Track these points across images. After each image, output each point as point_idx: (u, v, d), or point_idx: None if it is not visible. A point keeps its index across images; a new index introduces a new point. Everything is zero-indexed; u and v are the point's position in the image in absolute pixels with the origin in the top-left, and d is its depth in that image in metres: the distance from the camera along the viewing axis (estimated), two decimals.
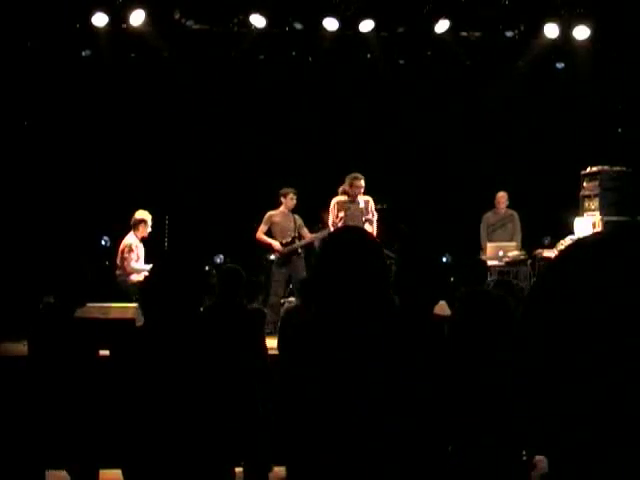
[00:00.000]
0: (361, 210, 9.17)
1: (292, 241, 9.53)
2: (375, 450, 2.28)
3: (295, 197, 9.58)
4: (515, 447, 3.25)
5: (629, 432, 0.95)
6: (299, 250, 9.48)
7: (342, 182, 9.48)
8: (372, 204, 9.27)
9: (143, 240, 9.00)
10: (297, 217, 9.68)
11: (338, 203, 9.35)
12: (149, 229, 8.99)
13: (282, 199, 9.62)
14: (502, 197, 10.22)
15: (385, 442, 2.29)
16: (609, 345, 0.96)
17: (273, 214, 9.62)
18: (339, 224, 9.25)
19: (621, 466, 0.95)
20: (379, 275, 2.35)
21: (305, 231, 9.62)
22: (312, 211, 9.96)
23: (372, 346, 2.30)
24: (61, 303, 4.62)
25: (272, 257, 9.52)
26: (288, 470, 2.63)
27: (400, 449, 2.34)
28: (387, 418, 2.29)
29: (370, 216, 9.21)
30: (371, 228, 9.14)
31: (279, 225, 9.59)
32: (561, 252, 1.09)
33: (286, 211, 9.64)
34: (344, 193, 9.37)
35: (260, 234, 9.57)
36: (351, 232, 2.62)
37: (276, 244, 9.52)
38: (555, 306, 1.02)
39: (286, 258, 9.47)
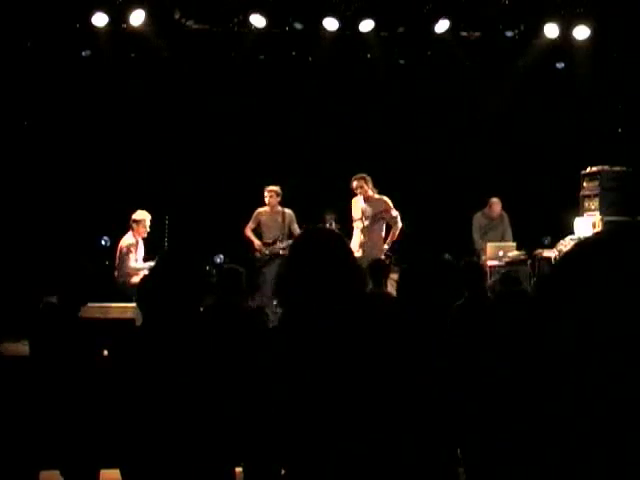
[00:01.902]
0: (361, 210, 9.16)
1: (274, 242, 9.49)
2: (356, 447, 2.30)
3: (273, 195, 9.52)
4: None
5: (629, 432, 0.95)
6: (281, 252, 9.28)
7: (341, 181, 9.53)
8: (384, 204, 9.20)
9: (143, 240, 9.01)
10: (288, 213, 9.60)
11: (352, 203, 9.38)
12: (147, 229, 8.98)
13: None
14: (496, 204, 10.24)
15: (365, 439, 2.31)
16: (611, 348, 0.97)
17: (260, 212, 9.64)
18: (354, 223, 9.29)
19: (622, 469, 0.96)
20: (343, 273, 2.40)
21: (295, 227, 9.54)
22: (311, 210, 9.96)
23: (342, 341, 2.34)
24: (65, 303, 4.62)
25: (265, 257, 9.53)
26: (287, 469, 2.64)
27: (383, 446, 2.36)
28: (364, 415, 2.31)
29: (383, 215, 9.18)
30: (394, 227, 9.17)
31: (265, 224, 9.63)
32: (563, 255, 1.09)
33: (274, 208, 9.61)
34: None
35: (247, 230, 9.62)
36: (314, 234, 2.68)
37: (257, 243, 9.54)
38: (557, 309, 1.02)
39: (269, 258, 9.44)
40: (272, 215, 9.62)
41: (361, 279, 2.71)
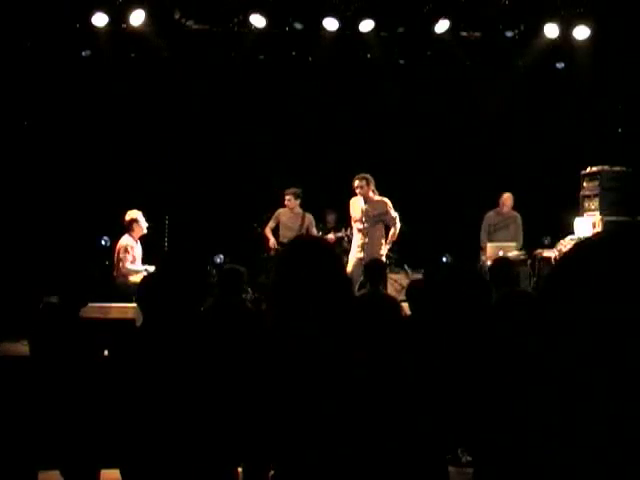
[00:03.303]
0: (362, 210, 9.14)
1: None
2: (346, 452, 2.31)
3: (292, 198, 9.65)
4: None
5: (630, 432, 0.95)
6: None
7: (341, 181, 9.53)
8: (385, 205, 9.17)
9: (142, 238, 9.00)
10: (308, 217, 9.75)
11: (350, 202, 9.36)
12: (144, 226, 8.94)
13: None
14: (508, 198, 10.20)
15: (356, 444, 2.32)
16: (611, 343, 0.97)
17: (281, 212, 9.77)
18: (353, 223, 9.29)
19: (624, 468, 0.96)
20: (329, 282, 2.43)
21: (313, 231, 9.64)
22: (311, 210, 9.98)
23: (332, 348, 2.36)
24: (66, 303, 4.62)
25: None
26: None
27: (374, 452, 2.37)
28: (355, 420, 2.32)
29: (383, 216, 9.15)
30: (394, 228, 9.15)
31: (284, 224, 9.73)
32: (563, 256, 1.09)
33: (294, 211, 9.71)
34: None
35: (266, 229, 9.77)
36: (302, 243, 2.71)
37: (272, 242, 9.63)
38: (559, 309, 1.02)
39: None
40: (292, 217, 9.71)
41: (348, 288, 2.73)
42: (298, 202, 9.72)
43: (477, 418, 3.01)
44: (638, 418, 0.95)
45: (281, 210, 9.77)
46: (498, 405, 3.02)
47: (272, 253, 9.61)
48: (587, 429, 0.97)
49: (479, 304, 3.24)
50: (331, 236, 9.73)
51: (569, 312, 1.01)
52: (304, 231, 9.59)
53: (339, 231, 9.94)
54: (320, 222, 10.48)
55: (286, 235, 9.61)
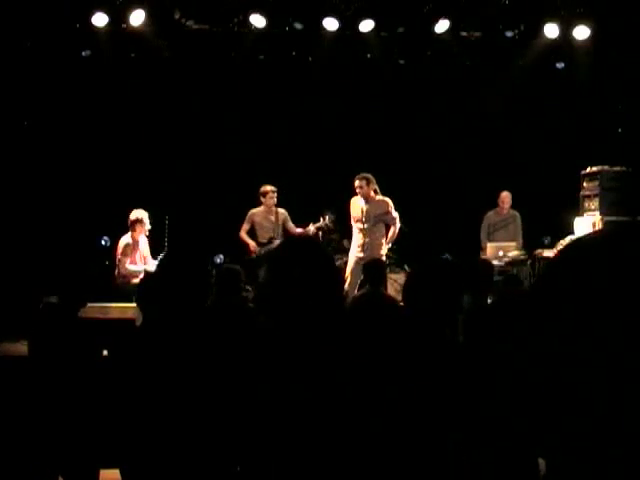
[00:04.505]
0: (362, 210, 9.13)
1: (269, 241, 9.52)
2: (337, 453, 2.31)
3: (275, 195, 9.62)
4: (523, 450, 3.26)
5: (627, 433, 0.95)
6: None
7: (341, 181, 9.53)
8: (386, 205, 9.15)
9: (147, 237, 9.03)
10: (281, 212, 9.70)
11: (351, 202, 9.33)
12: (147, 227, 8.98)
13: (262, 198, 9.69)
14: (506, 197, 10.26)
15: (348, 446, 2.33)
16: (609, 343, 0.97)
17: (254, 212, 9.71)
18: (354, 223, 9.25)
19: (620, 469, 0.95)
20: (323, 283, 2.43)
21: (290, 225, 9.65)
22: (311, 210, 9.97)
23: (324, 351, 2.36)
24: (65, 303, 4.62)
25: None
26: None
27: (365, 452, 2.38)
28: (349, 422, 2.32)
29: (384, 216, 9.13)
30: (394, 228, 9.14)
31: (260, 224, 9.69)
32: (560, 252, 1.09)
33: (268, 209, 9.67)
34: None
35: (242, 233, 9.71)
36: (292, 244, 2.71)
37: (252, 244, 9.60)
38: (557, 308, 1.02)
39: (263, 258, 9.45)
40: (266, 215, 9.68)
41: (340, 288, 2.73)
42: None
43: (467, 421, 3.01)
44: (636, 417, 0.95)
45: (253, 210, 9.73)
46: (497, 405, 3.02)
47: (253, 255, 9.59)
48: (585, 428, 0.97)
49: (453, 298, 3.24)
50: (311, 228, 9.67)
51: (567, 310, 1.01)
52: (280, 228, 9.60)
53: (317, 221, 9.84)
54: (319, 221, 10.47)
55: (263, 235, 9.62)
